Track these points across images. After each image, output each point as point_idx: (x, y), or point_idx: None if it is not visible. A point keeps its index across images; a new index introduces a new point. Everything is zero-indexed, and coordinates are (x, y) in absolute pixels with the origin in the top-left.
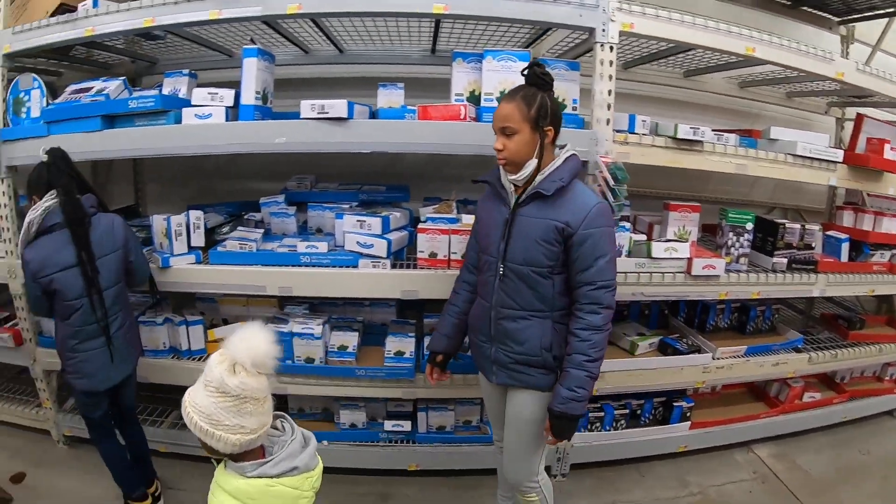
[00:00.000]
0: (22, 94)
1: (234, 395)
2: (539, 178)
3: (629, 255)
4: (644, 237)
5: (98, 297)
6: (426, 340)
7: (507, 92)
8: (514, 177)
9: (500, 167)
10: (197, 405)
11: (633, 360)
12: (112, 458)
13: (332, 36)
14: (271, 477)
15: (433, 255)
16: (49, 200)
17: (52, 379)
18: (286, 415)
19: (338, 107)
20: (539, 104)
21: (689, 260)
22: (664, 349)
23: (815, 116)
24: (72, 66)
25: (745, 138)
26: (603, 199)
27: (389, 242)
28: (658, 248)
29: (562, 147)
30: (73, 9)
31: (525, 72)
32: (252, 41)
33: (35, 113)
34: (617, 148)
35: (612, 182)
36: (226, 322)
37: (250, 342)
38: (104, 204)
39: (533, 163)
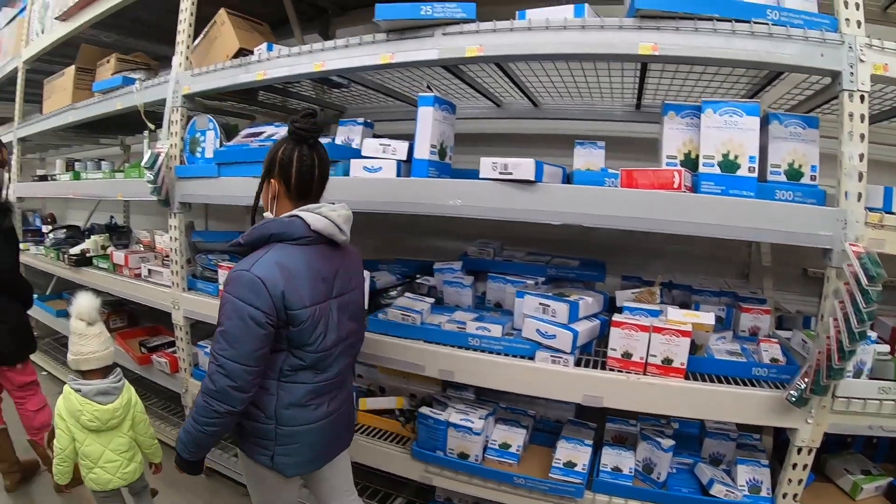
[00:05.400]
0: (198, 134)
1: (71, 332)
2: None
3: (871, 374)
4: (887, 349)
5: None
6: (606, 450)
7: None
8: None
9: None
10: None
11: None
12: None
13: (525, 87)
14: (72, 388)
15: (627, 355)
16: None
17: None
18: (119, 369)
19: (524, 167)
20: (269, 156)
21: None
22: (893, 496)
23: None
24: (263, 111)
25: None
26: (246, 270)
27: (575, 336)
28: None
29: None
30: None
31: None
32: (429, 88)
33: (209, 153)
34: (869, 233)
35: (864, 280)
36: (382, 392)
37: (77, 302)
38: None
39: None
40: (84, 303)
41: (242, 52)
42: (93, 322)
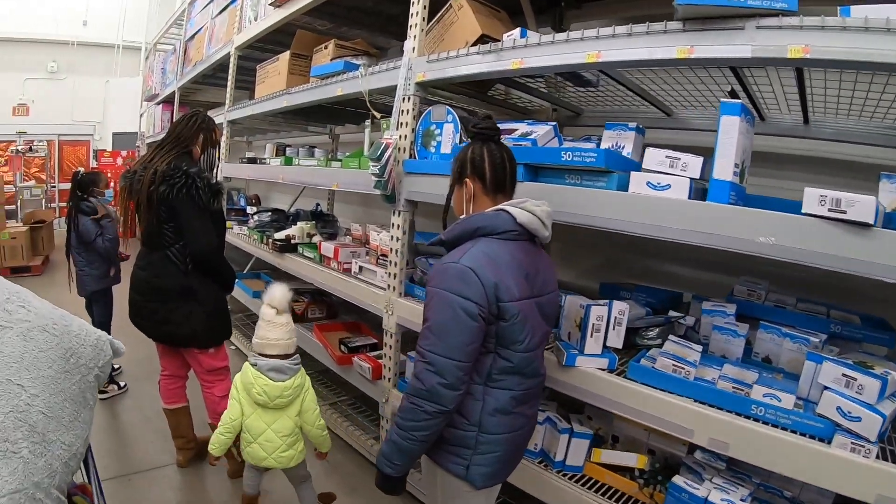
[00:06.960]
0: (433, 126)
1: (260, 317)
2: None
3: None
4: None
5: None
6: None
7: None
8: None
9: None
10: None
11: None
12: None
13: (809, 100)
14: (250, 363)
15: None
16: None
17: None
18: (299, 356)
19: (861, 206)
20: (458, 161)
21: None
22: None
23: None
24: (487, 106)
25: None
26: (454, 262)
27: (884, 420)
28: None
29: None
30: (495, 41)
31: None
32: (732, 93)
33: (446, 149)
34: None
35: None
36: (615, 441)
37: (271, 291)
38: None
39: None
40: (277, 292)
41: (482, 40)
42: (282, 312)
